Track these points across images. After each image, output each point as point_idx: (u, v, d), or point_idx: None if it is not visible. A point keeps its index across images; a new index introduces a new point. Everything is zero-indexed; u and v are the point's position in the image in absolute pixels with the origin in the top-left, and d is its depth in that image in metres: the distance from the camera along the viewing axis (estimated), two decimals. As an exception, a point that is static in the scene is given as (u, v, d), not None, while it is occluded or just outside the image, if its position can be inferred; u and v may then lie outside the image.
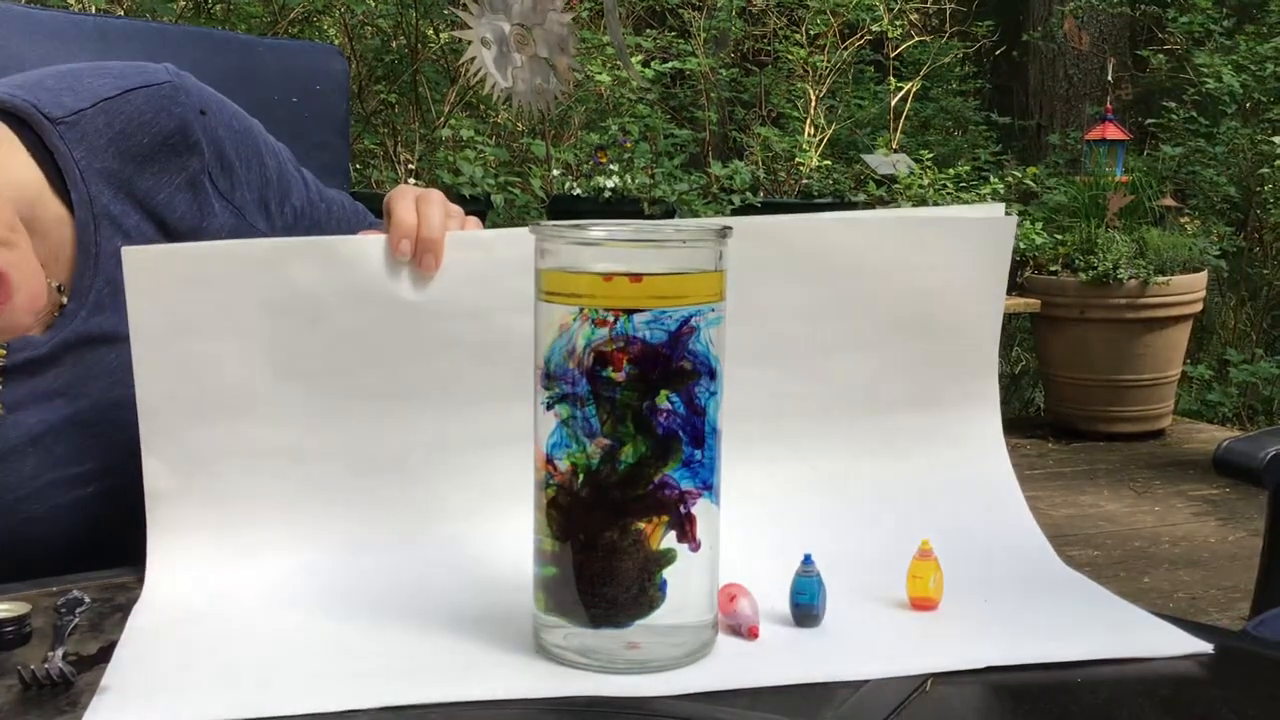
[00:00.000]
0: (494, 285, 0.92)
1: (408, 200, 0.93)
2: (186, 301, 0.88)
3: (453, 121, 4.23)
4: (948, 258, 0.98)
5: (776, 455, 0.95)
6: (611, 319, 0.74)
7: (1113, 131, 5.20)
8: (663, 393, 0.75)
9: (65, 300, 1.01)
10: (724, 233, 0.77)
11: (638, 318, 0.74)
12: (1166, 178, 5.80)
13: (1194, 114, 6.23)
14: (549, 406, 0.76)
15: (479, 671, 0.75)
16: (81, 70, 1.06)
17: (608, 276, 0.74)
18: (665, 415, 0.75)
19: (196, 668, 0.75)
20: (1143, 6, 7.09)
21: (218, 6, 4.89)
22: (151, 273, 0.87)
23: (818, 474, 0.96)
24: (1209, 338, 5.87)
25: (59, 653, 0.75)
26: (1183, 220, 5.57)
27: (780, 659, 0.77)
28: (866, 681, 0.74)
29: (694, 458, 0.76)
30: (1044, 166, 6.28)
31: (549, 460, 0.76)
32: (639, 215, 3.86)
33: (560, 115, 4.82)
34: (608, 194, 3.87)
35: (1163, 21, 7.13)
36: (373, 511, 0.92)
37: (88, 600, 0.83)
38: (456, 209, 0.96)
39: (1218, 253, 5.23)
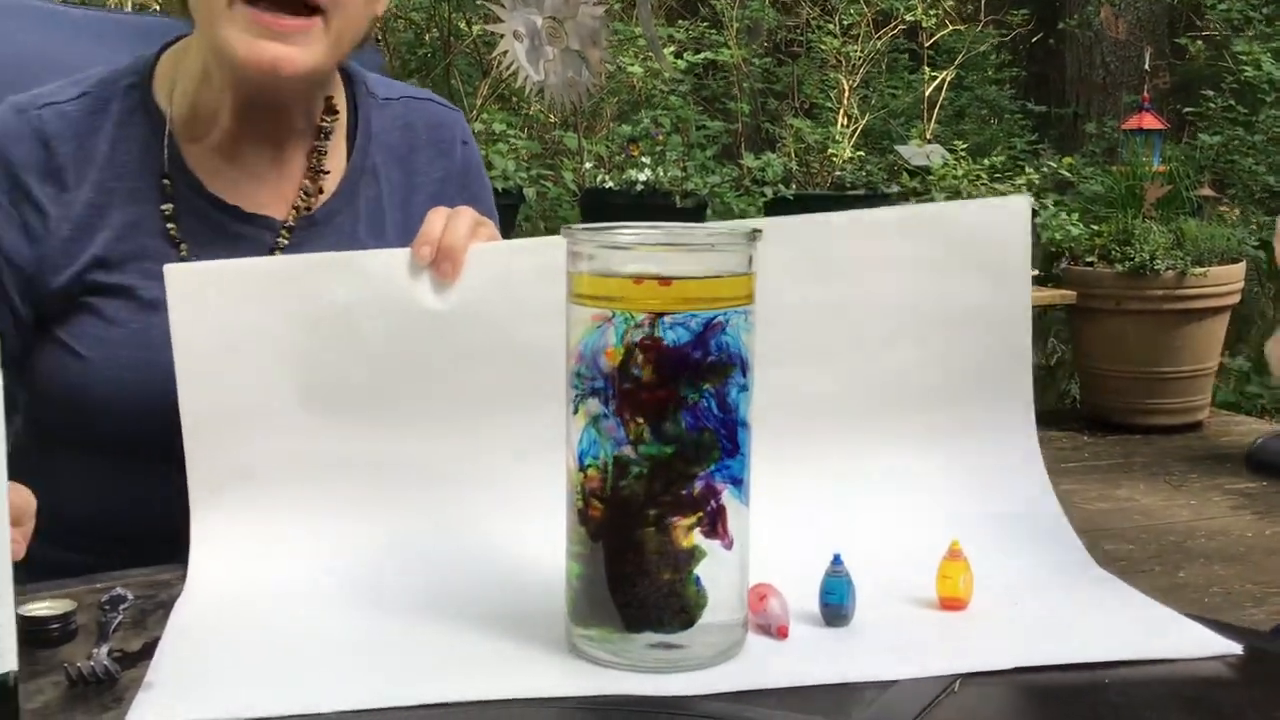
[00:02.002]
0: (516, 294, 0.94)
1: (440, 214, 0.97)
2: (226, 316, 0.92)
3: (485, 115, 4.24)
4: (964, 249, 0.98)
5: (805, 456, 0.95)
6: (642, 321, 0.75)
7: (1150, 121, 5.15)
8: (693, 390, 0.76)
9: (315, 205, 1.16)
10: (754, 235, 0.78)
11: (667, 319, 0.75)
12: (1205, 167, 5.74)
13: (1232, 102, 6.15)
14: (578, 405, 0.77)
15: (512, 670, 0.76)
16: (400, 81, 1.33)
17: (638, 280, 0.75)
18: (696, 413, 0.76)
19: (237, 664, 0.77)
20: (1181, -6, 7.01)
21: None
22: (194, 289, 0.91)
23: (847, 473, 0.96)
24: (1248, 329, 5.80)
25: (104, 649, 0.77)
26: (1222, 209, 5.50)
27: (810, 658, 0.78)
28: (895, 682, 0.75)
29: (725, 453, 0.77)
30: (1080, 156, 6.22)
31: (580, 462, 0.77)
32: (671, 208, 3.85)
33: (592, 107, 4.83)
34: (640, 187, 3.88)
35: (1201, 8, 7.05)
36: (407, 514, 0.94)
37: (131, 597, 0.85)
38: (489, 227, 1.00)
39: (1256, 243, 5.18)
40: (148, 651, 0.78)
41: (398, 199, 1.20)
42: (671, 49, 5.54)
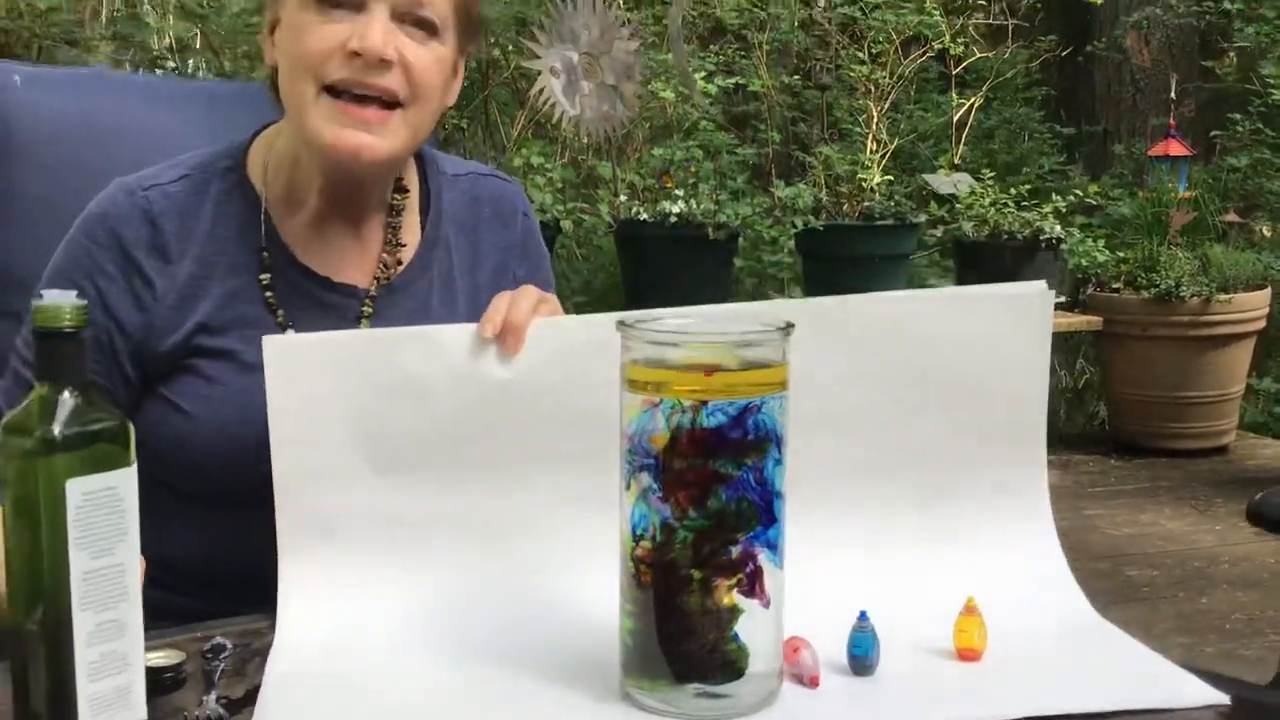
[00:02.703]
0: (572, 367, 1.04)
1: (506, 295, 1.08)
2: (315, 384, 1.02)
3: (523, 149, 4.35)
4: (991, 330, 1.08)
5: (834, 519, 1.05)
6: (687, 407, 0.85)
7: (1175, 148, 5.21)
8: (733, 466, 0.85)
9: (394, 275, 1.27)
10: (787, 330, 0.87)
11: (710, 405, 0.84)
12: (1232, 189, 5.78)
13: (1260, 125, 6.19)
14: (630, 481, 0.87)
15: (571, 716, 0.86)
16: (464, 159, 1.43)
17: (684, 369, 0.85)
18: (735, 486, 0.86)
19: (331, 710, 0.87)
20: (1209, 18, 7.04)
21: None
22: (287, 359, 1.01)
23: (873, 536, 1.06)
24: (1277, 351, 5.83)
25: (212, 696, 0.87)
26: (1260, 232, 5.53)
27: (838, 707, 0.88)
28: (914, 729, 0.84)
29: (762, 522, 0.87)
30: (1109, 176, 6.27)
31: (633, 532, 0.87)
32: (704, 240, 3.94)
33: (625, 131, 4.92)
34: (673, 219, 3.97)
35: (1229, 32, 7.09)
36: (472, 570, 1.04)
37: (230, 646, 0.95)
38: (551, 303, 1.10)
39: (1284, 266, 5.20)
40: (250, 698, 0.88)
41: (466, 267, 1.32)
42: (702, 74, 5.63)
